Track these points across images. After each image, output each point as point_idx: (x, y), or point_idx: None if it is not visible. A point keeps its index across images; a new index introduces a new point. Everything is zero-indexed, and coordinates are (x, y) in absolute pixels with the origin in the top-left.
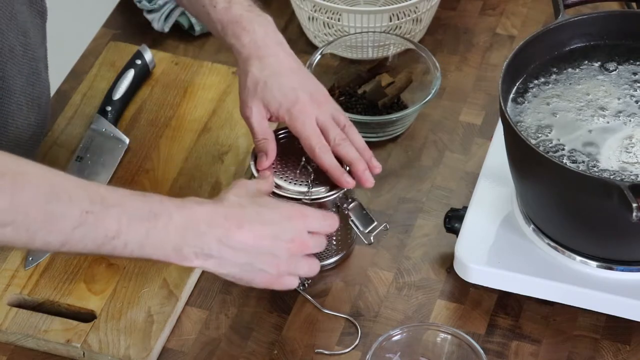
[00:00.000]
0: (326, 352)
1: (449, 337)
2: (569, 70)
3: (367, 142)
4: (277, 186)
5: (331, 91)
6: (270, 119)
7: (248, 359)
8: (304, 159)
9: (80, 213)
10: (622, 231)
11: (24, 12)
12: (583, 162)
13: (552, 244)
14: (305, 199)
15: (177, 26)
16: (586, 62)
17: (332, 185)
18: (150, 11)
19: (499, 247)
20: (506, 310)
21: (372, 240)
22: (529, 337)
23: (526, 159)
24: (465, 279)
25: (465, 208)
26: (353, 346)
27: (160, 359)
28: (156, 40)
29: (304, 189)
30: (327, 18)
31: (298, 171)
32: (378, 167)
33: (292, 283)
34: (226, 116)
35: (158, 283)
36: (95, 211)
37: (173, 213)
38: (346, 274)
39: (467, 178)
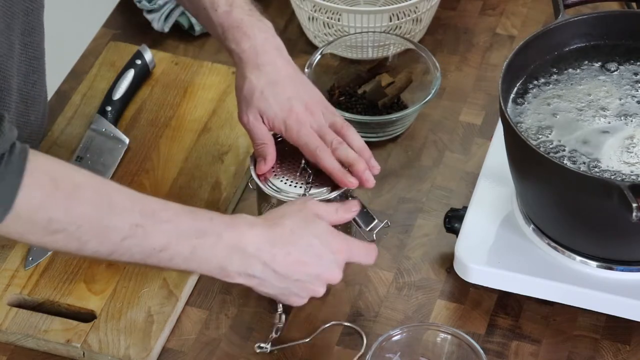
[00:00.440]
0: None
1: (449, 337)
2: (570, 70)
3: (367, 142)
4: (277, 189)
5: (331, 91)
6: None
7: (248, 359)
8: (303, 161)
9: (130, 226)
10: (622, 231)
11: (22, 10)
12: (584, 162)
13: (552, 244)
14: None
15: (177, 26)
16: (586, 62)
17: (333, 185)
18: (150, 11)
19: (499, 247)
20: (506, 310)
21: (374, 238)
22: (529, 337)
23: (526, 159)
24: (465, 279)
25: (465, 208)
26: (358, 356)
27: (160, 359)
28: (156, 40)
29: (304, 190)
30: (327, 18)
31: (298, 173)
32: (377, 168)
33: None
34: (226, 116)
35: (158, 283)
36: (145, 225)
37: (222, 232)
38: (346, 273)
39: (467, 178)
